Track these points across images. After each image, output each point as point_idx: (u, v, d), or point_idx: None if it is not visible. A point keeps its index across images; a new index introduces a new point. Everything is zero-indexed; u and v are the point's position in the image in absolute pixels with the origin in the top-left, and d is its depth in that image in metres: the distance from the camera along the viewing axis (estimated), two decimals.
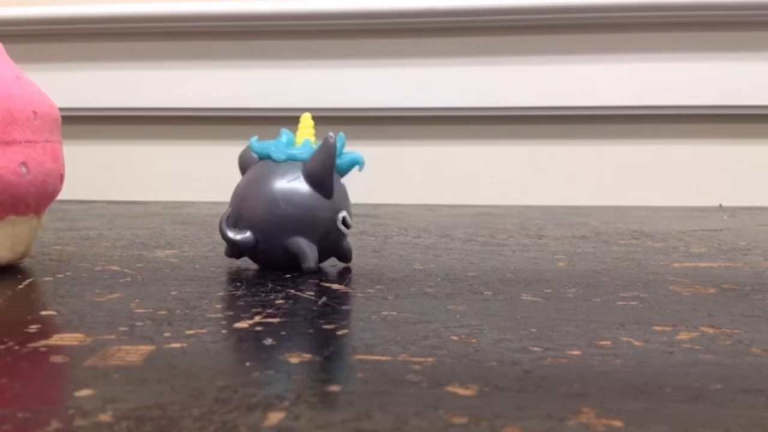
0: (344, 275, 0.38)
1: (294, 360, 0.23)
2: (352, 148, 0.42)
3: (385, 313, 0.30)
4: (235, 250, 0.40)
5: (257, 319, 0.28)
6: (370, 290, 0.34)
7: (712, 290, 0.35)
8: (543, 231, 0.59)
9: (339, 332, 0.26)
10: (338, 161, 0.39)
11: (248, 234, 0.38)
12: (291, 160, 0.38)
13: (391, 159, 0.93)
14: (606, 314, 0.29)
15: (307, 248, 0.37)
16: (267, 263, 0.39)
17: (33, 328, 0.27)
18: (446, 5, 0.89)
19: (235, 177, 0.41)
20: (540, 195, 0.93)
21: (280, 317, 0.29)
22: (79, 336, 0.26)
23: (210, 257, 0.44)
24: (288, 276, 0.38)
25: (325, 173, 0.37)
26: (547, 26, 0.90)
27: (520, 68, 0.92)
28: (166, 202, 0.56)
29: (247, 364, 0.23)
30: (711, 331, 0.27)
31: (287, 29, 0.93)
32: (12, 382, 0.21)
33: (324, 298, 0.32)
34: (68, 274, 0.39)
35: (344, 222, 0.38)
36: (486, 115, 0.94)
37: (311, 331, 0.27)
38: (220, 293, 0.33)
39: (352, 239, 0.53)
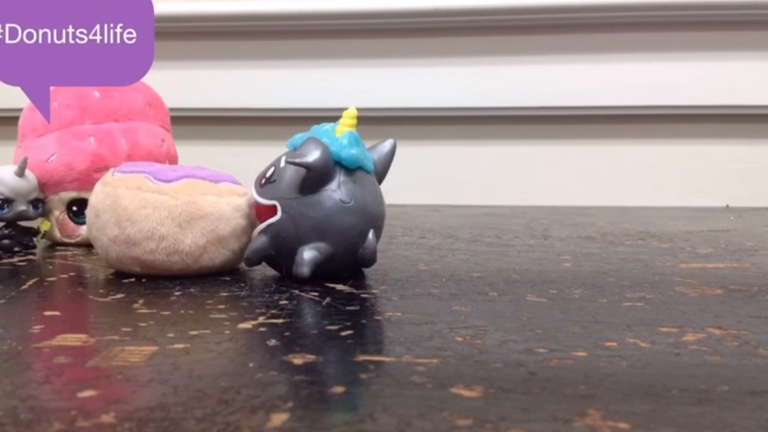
0: (348, 276, 0.38)
1: (298, 361, 0.23)
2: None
3: (390, 313, 0.29)
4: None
5: (261, 319, 0.28)
6: (375, 291, 0.34)
7: (719, 291, 0.34)
8: (548, 231, 0.59)
9: (343, 333, 0.26)
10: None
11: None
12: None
13: (395, 159, 0.93)
14: (612, 315, 0.29)
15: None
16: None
17: (37, 328, 0.27)
18: (447, 5, 0.89)
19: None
20: (545, 195, 0.93)
21: (284, 318, 0.29)
22: (83, 336, 0.26)
23: None
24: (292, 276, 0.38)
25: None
26: (556, 26, 0.90)
27: (525, 68, 0.92)
28: None
29: (251, 365, 0.22)
30: (718, 332, 0.27)
31: (287, 30, 0.93)
32: (15, 382, 0.21)
33: (328, 299, 0.32)
34: (72, 274, 0.39)
35: None
36: (491, 115, 0.93)
37: (315, 332, 0.27)
38: (224, 294, 0.33)
39: None
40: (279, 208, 0.35)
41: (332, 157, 0.36)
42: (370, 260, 0.37)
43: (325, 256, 0.35)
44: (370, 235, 0.36)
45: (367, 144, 0.41)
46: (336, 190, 0.35)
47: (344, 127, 0.37)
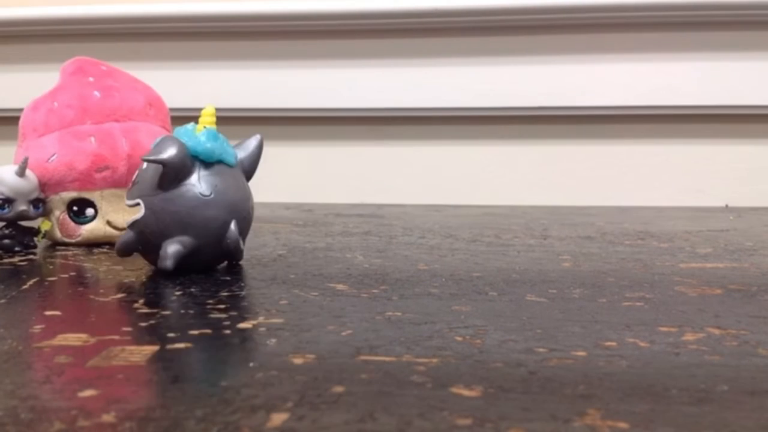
0: (348, 276, 0.38)
1: (297, 361, 0.23)
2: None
3: (390, 313, 0.29)
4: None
5: (261, 319, 0.28)
6: (375, 290, 0.34)
7: (719, 291, 0.34)
8: (548, 231, 0.59)
9: (343, 333, 0.26)
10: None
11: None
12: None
13: (395, 159, 0.93)
14: (611, 315, 0.29)
15: None
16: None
17: (37, 327, 0.27)
18: (447, 5, 0.89)
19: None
20: (545, 195, 0.93)
21: (284, 318, 0.29)
22: (83, 336, 0.26)
23: None
24: (293, 276, 0.38)
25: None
26: (556, 26, 0.90)
27: (525, 68, 0.92)
28: None
29: (251, 364, 0.23)
30: (717, 332, 0.27)
31: (287, 30, 0.93)
32: (15, 381, 0.21)
33: (328, 299, 0.32)
34: (73, 274, 0.39)
35: None
36: (491, 116, 0.93)
37: (315, 331, 0.27)
38: (224, 294, 0.33)
39: (357, 239, 0.53)
40: (142, 205, 0.37)
41: (190, 153, 0.37)
42: (235, 251, 0.38)
43: (189, 249, 0.37)
44: (232, 226, 0.37)
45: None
46: (195, 184, 0.37)
47: (203, 125, 0.38)
